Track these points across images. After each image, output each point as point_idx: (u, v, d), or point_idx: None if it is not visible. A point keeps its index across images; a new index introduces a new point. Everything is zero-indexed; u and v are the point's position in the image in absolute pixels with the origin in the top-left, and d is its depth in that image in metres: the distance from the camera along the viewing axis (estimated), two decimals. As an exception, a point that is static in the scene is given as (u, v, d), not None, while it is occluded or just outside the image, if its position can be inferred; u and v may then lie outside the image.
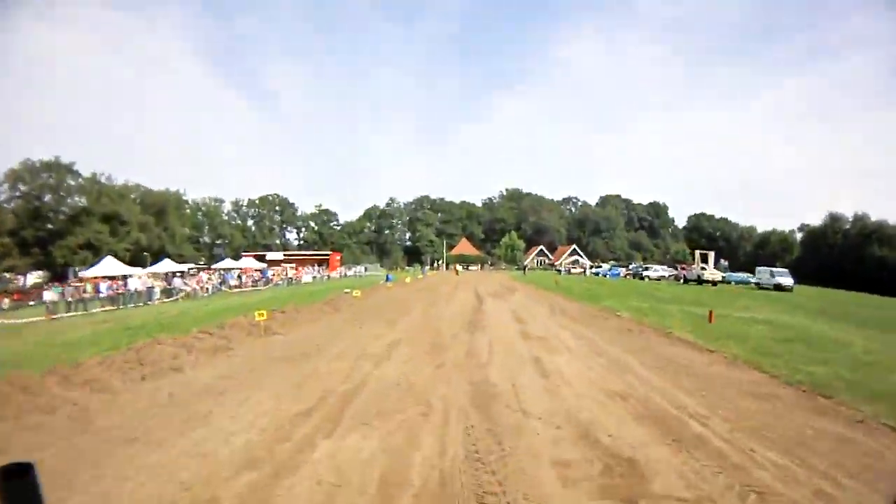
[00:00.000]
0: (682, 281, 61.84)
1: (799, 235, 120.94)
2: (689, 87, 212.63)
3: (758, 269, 57.92)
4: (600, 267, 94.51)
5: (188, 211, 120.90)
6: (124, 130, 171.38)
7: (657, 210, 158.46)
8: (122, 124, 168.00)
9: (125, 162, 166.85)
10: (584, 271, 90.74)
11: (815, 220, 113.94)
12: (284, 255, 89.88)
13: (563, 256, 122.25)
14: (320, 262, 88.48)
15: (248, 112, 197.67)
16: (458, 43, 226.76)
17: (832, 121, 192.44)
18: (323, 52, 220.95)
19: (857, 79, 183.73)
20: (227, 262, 71.93)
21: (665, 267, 78.92)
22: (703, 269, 58.85)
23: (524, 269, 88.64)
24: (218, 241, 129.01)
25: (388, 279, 56.24)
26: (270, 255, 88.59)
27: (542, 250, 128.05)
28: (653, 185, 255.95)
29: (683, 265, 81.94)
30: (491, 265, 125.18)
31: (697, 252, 62.29)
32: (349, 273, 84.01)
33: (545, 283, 55.78)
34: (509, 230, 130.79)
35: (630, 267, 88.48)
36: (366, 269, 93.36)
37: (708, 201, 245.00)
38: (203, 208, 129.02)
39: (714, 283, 56.48)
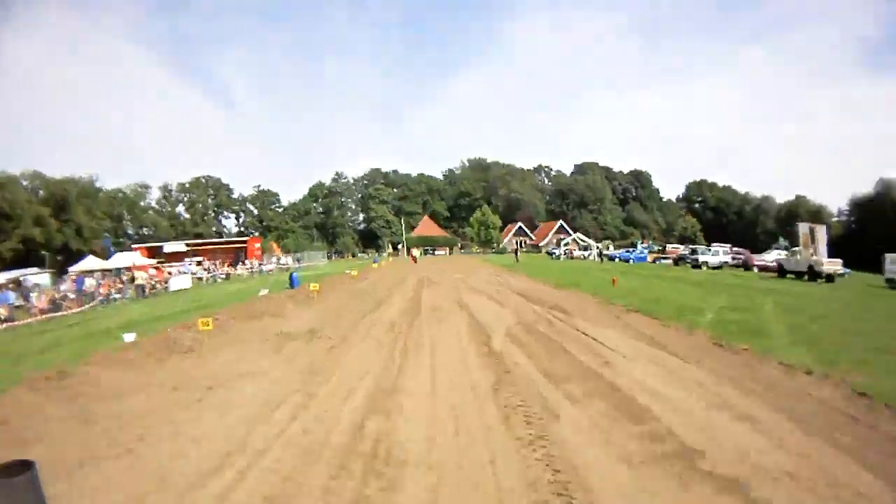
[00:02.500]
0: (778, 274, 38.00)
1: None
2: (675, 48, 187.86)
3: (888, 255, 33.20)
4: (611, 249, 70.47)
5: (102, 200, 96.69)
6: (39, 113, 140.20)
7: (640, 179, 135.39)
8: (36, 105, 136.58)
9: (38, 151, 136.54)
10: (595, 255, 66.77)
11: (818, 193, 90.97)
12: (187, 245, 63.98)
13: (549, 235, 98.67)
14: (237, 251, 63.65)
15: (178, 90, 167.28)
16: (411, 20, 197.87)
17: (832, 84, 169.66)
18: (265, 29, 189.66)
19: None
20: (116, 259, 47.68)
21: (726, 249, 55.10)
22: (811, 254, 35.15)
23: (516, 253, 64.20)
24: (143, 232, 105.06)
25: (292, 282, 31.23)
26: (170, 247, 62.31)
27: (520, 228, 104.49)
28: (630, 152, 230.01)
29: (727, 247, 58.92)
30: (461, 248, 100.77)
31: (803, 227, 37.41)
32: (266, 267, 57.92)
33: (578, 280, 32.02)
34: (479, 205, 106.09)
35: (661, 250, 67.82)
36: (298, 261, 67.22)
37: (694, 170, 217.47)
38: (122, 196, 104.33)
39: (831, 277, 33.60)
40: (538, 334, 14.03)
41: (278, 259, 65.40)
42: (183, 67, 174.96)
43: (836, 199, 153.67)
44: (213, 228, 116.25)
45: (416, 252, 67.98)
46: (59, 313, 26.68)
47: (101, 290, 33.06)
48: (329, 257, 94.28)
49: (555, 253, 75.39)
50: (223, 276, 49.77)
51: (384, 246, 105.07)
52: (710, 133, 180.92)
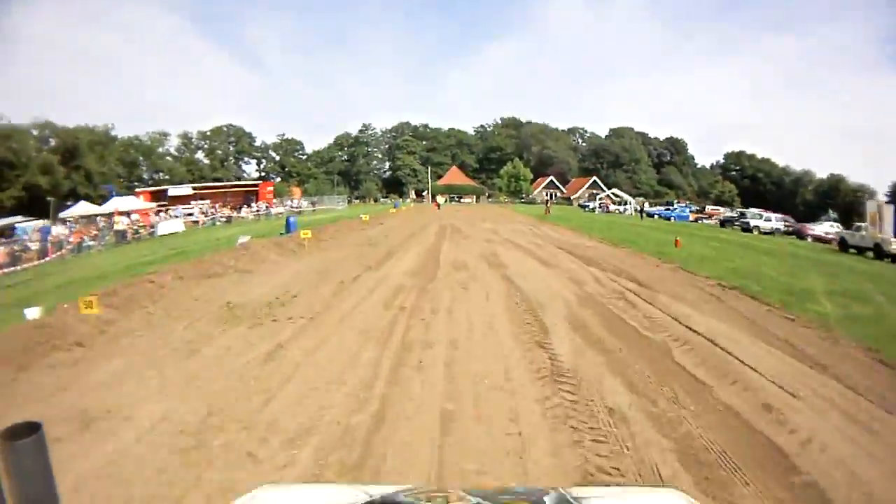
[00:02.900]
0: (840, 248, 32.49)
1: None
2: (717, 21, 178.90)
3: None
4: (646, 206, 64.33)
5: (118, 147, 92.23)
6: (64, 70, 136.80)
7: (676, 146, 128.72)
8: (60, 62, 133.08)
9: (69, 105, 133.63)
10: (635, 210, 61.78)
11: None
12: (193, 187, 59.96)
13: (582, 189, 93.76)
14: (247, 195, 59.47)
15: (203, 44, 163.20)
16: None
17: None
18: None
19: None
20: (112, 204, 43.63)
21: (779, 216, 49.29)
22: (877, 232, 30.01)
23: (546, 203, 57.79)
24: (159, 177, 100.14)
25: (288, 226, 27.00)
26: (174, 190, 58.53)
27: (551, 182, 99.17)
28: (666, 120, 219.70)
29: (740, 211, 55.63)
30: (489, 197, 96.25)
31: (871, 204, 32.00)
32: (276, 210, 53.95)
33: (630, 237, 28.55)
34: (509, 159, 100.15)
35: (700, 210, 62.73)
36: (313, 205, 63.40)
37: (728, 144, 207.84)
38: (138, 143, 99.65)
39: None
40: (620, 325, 9.36)
41: (293, 202, 61.25)
42: (212, 25, 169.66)
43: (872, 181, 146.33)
44: (233, 174, 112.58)
45: (440, 199, 63.70)
46: (16, 267, 22.89)
47: (72, 239, 29.39)
48: (349, 202, 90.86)
49: (588, 206, 70.91)
50: (224, 220, 45.88)
51: (408, 194, 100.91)
52: (747, 109, 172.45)
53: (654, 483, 4.25)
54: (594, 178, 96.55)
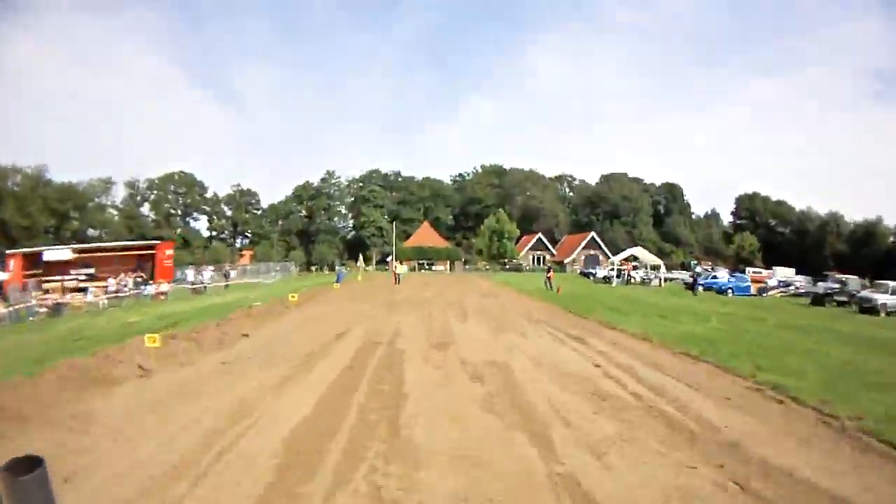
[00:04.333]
0: None
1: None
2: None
3: None
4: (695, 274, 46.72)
5: (51, 194, 79.93)
6: None
7: (673, 193, 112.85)
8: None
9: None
10: (663, 280, 46.76)
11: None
12: (75, 250, 41.95)
13: (577, 251, 77.34)
14: (141, 260, 41.60)
15: (164, 78, 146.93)
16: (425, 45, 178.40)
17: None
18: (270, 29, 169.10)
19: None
20: None
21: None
22: None
23: (548, 274, 37.79)
24: (92, 234, 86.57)
25: None
26: (51, 254, 40.71)
27: (539, 240, 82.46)
28: (658, 165, 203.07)
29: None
30: (465, 263, 79.15)
31: None
32: (148, 289, 35.06)
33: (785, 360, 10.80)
34: (490, 213, 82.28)
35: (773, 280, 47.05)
36: (225, 276, 45.60)
37: (722, 184, 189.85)
38: (73, 191, 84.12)
39: None
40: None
41: (202, 274, 43.60)
42: (172, 58, 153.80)
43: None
44: (178, 231, 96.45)
45: (399, 267, 46.62)
46: None
47: None
48: (301, 269, 74.67)
49: (594, 273, 54.28)
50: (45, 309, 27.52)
51: (370, 256, 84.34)
52: (746, 148, 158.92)
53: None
54: (591, 234, 79.98)
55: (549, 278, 35.78)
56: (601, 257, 75.69)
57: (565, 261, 75.79)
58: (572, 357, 10.85)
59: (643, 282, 46.47)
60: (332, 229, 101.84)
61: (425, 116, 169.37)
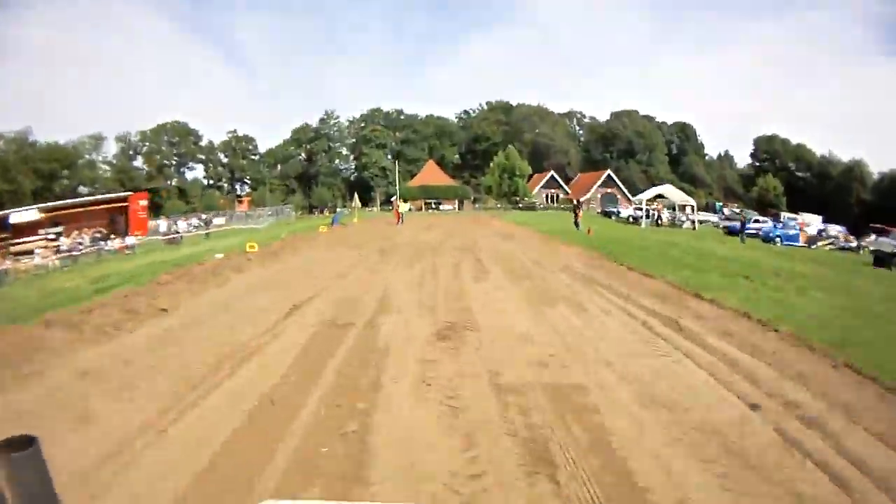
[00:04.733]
0: None
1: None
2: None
3: None
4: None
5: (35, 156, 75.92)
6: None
7: (685, 132, 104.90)
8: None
9: None
10: (694, 222, 41.36)
11: None
12: (42, 209, 37.26)
13: (593, 189, 72.03)
14: (113, 214, 36.90)
15: (149, 25, 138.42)
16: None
17: None
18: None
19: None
20: None
21: None
22: None
23: (576, 212, 33.63)
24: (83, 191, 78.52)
25: None
26: (16, 217, 36.05)
27: (552, 178, 77.20)
28: (668, 105, 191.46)
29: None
30: (474, 202, 74.14)
31: None
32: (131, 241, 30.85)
33: None
34: (498, 151, 75.96)
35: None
36: (206, 224, 40.90)
37: (739, 127, 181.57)
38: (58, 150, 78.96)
39: None
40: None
41: (188, 221, 38.72)
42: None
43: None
44: (172, 181, 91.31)
45: (402, 205, 41.62)
46: None
47: None
48: (311, 211, 70.31)
49: (617, 212, 49.62)
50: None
51: (373, 198, 79.49)
52: (759, 88, 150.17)
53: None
54: (608, 172, 74.79)
55: (577, 217, 31.07)
56: (619, 196, 70.77)
57: (581, 200, 70.81)
58: (690, 372, 6.16)
59: (673, 223, 41.57)
60: (333, 171, 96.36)
61: (426, 55, 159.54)
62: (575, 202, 38.12)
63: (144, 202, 37.11)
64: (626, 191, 72.42)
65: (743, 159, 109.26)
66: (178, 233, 33.79)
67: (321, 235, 26.69)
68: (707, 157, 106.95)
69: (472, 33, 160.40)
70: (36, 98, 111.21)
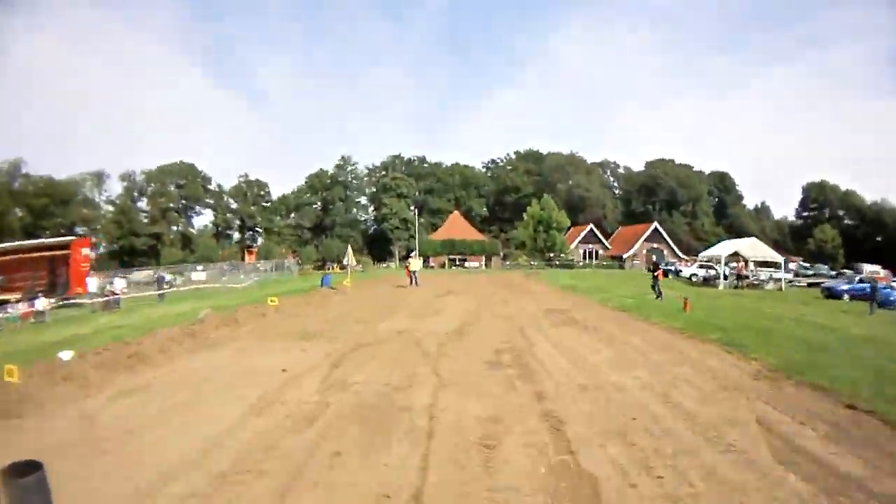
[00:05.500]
0: None
1: None
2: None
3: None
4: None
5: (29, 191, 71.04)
6: None
7: (724, 183, 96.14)
8: None
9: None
10: (781, 282, 33.92)
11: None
12: None
13: (637, 244, 63.33)
14: (53, 263, 28.94)
15: (165, 62, 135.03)
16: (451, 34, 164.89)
17: None
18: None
19: None
20: None
21: None
22: None
23: (655, 274, 23.21)
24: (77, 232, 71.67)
25: None
26: None
27: (591, 232, 68.59)
28: (701, 153, 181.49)
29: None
30: (504, 258, 65.67)
31: None
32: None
33: None
34: (529, 203, 67.02)
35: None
36: (159, 289, 31.60)
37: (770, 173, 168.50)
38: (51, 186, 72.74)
39: None
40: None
41: (113, 284, 29.95)
42: (173, 40, 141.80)
43: None
44: (176, 227, 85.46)
45: (413, 262, 33.35)
46: None
47: None
48: (324, 265, 62.62)
49: (676, 271, 41.19)
50: None
51: (394, 252, 71.68)
52: (787, 135, 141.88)
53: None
54: (654, 224, 65.94)
55: (657, 281, 22.54)
56: (664, 251, 62.10)
57: (624, 255, 62.14)
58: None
59: (755, 284, 32.86)
60: (350, 221, 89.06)
61: (449, 106, 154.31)
62: (652, 262, 29.22)
63: (87, 251, 29.60)
64: (673, 245, 63.77)
65: (779, 210, 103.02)
66: (114, 293, 25.65)
67: (269, 312, 18.28)
68: (745, 208, 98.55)
69: (495, 85, 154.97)
70: (34, 130, 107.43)
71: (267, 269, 45.26)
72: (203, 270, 42.94)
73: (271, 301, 18.09)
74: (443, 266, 60.90)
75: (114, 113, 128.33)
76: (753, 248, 35.22)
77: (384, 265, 68.09)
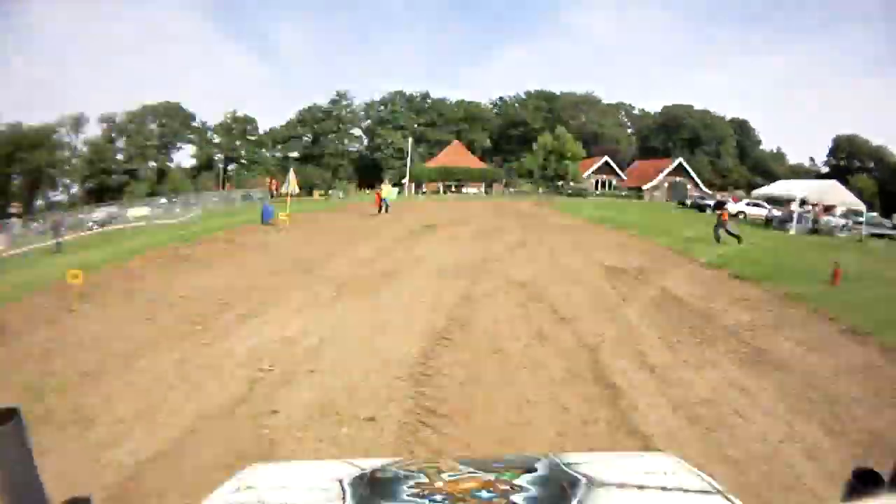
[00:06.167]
0: None
1: None
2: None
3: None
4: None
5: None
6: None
7: (743, 129, 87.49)
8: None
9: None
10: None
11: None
12: None
13: (660, 177, 55.87)
14: None
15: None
16: None
17: None
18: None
19: None
20: None
21: None
22: None
23: (720, 215, 17.68)
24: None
25: None
26: None
27: (606, 164, 61.05)
28: (719, 100, 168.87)
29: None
30: (506, 185, 58.48)
31: None
32: None
33: None
34: (536, 137, 59.15)
35: None
36: (54, 229, 24.34)
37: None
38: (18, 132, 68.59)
39: None
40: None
41: None
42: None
43: None
44: (153, 163, 78.48)
45: (386, 188, 27.07)
46: None
47: None
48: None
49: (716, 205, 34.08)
50: None
51: (386, 179, 64.75)
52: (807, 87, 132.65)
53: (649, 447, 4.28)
54: (679, 159, 58.51)
55: (723, 222, 17.33)
56: (689, 186, 55.09)
57: (643, 187, 54.95)
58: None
59: (830, 231, 26.64)
60: (340, 153, 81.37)
61: (460, 61, 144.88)
62: (717, 200, 22.45)
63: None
64: (699, 182, 56.59)
65: (794, 157, 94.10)
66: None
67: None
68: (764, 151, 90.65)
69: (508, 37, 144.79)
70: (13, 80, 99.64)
71: (228, 199, 39.65)
72: (144, 206, 38.05)
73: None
74: (436, 192, 53.56)
75: (100, 57, 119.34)
76: (833, 191, 29.25)
77: (367, 191, 60.64)
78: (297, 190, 20.65)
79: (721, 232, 16.94)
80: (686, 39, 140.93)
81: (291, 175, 22.88)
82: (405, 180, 55.01)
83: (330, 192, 56.56)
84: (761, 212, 31.62)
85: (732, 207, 30.26)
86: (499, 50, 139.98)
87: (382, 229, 18.30)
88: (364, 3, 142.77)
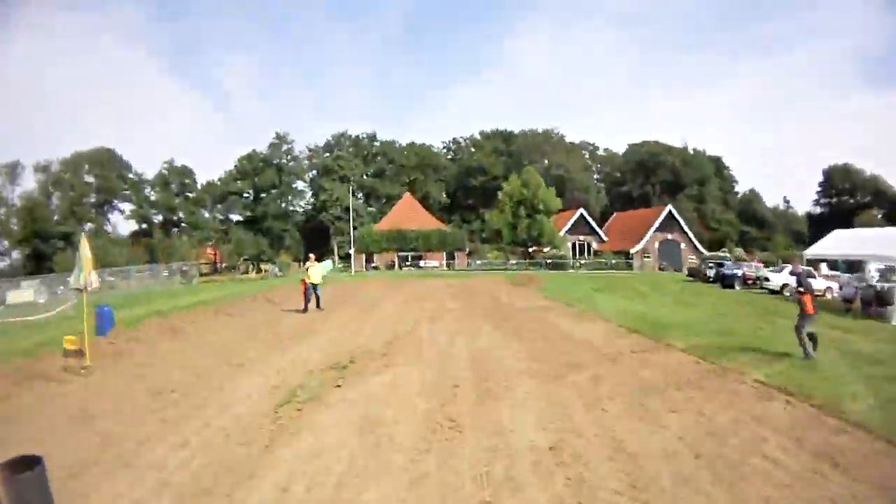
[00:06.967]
0: None
1: None
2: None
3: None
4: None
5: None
6: None
7: (718, 166, 78.90)
8: None
9: None
10: None
11: None
12: None
13: (649, 233, 47.04)
14: None
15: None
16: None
17: None
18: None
19: None
20: None
21: None
22: None
23: (801, 301, 8.88)
24: None
25: None
26: None
27: (582, 219, 52.56)
28: (685, 128, 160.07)
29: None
30: (469, 254, 49.61)
31: None
32: None
33: None
34: (498, 189, 49.42)
35: None
36: None
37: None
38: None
39: None
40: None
41: None
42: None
43: None
44: (89, 224, 66.38)
45: (313, 269, 17.54)
46: None
47: None
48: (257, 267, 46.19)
49: (757, 279, 25.12)
50: None
51: (312, 256, 54.97)
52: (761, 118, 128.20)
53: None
54: (668, 208, 49.29)
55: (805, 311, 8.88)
56: (683, 245, 46.78)
57: (631, 250, 45.75)
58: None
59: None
60: (283, 212, 71.26)
61: (410, 89, 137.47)
62: (791, 267, 13.51)
63: None
64: (691, 236, 47.98)
65: (771, 198, 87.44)
66: None
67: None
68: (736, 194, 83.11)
69: (461, 76, 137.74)
70: None
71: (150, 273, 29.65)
72: (29, 287, 28.32)
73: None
74: (391, 267, 44.15)
75: (33, 101, 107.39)
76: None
77: (303, 266, 49.80)
78: (94, 284, 9.53)
79: (804, 334, 8.79)
80: (643, 71, 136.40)
81: (82, 248, 10.36)
82: (352, 251, 45.33)
83: (267, 268, 46.64)
84: (827, 285, 22.00)
85: (818, 284, 20.65)
86: (445, 89, 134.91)
87: (246, 379, 8.13)
88: (307, 44, 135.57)
